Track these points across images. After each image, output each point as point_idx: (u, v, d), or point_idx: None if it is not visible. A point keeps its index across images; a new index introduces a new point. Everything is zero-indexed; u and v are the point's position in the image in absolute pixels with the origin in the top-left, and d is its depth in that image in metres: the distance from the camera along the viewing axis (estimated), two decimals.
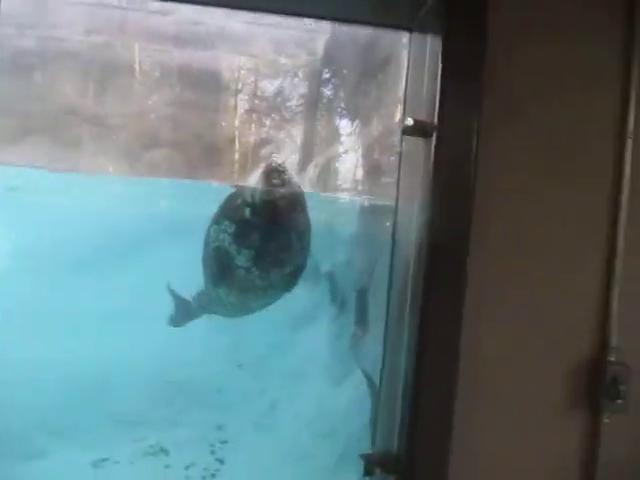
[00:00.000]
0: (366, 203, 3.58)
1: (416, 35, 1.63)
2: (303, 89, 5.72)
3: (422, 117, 1.53)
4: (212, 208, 3.64)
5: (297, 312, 3.68)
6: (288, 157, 5.40)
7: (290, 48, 5.52)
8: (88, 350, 3.33)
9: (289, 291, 3.46)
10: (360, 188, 3.86)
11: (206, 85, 5.71)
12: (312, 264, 3.70)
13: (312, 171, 4.55)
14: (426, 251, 1.54)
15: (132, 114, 5.72)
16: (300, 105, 5.77)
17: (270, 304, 3.58)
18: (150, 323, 3.48)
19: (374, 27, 1.83)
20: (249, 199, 3.21)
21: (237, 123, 5.82)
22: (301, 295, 3.51)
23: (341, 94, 4.97)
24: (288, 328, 3.67)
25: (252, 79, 5.74)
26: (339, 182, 4.27)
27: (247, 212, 3.20)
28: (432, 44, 1.53)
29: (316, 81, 5.42)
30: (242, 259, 3.23)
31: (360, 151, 4.03)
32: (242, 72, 5.68)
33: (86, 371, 3.15)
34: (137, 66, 5.66)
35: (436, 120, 1.47)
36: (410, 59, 1.66)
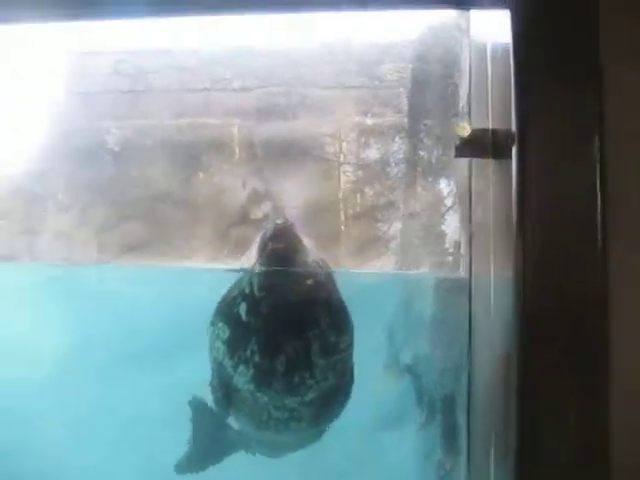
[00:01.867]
0: (454, 276, 2.65)
1: (476, 13, 1.04)
2: (396, 150, 5.26)
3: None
4: None
5: (379, 415, 2.89)
6: (389, 228, 4.83)
7: (375, 108, 5.17)
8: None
9: (327, 425, 2.39)
10: (459, 258, 3.06)
11: (294, 156, 5.49)
12: (392, 355, 2.89)
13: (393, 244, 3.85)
14: (523, 343, 0.86)
15: (223, 193, 5.57)
16: (397, 169, 5.29)
17: (310, 440, 2.52)
18: None
19: (418, 8, 1.29)
20: (246, 288, 2.16)
21: (341, 193, 5.47)
22: (382, 393, 2.71)
23: (434, 151, 4.39)
24: (370, 436, 2.88)
25: (342, 144, 5.41)
26: (430, 253, 3.52)
27: (242, 309, 2.16)
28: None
29: (407, 139, 4.93)
30: (241, 379, 2.18)
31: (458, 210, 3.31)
32: (328, 138, 5.37)
33: None
34: (229, 144, 5.58)
35: (515, 125, 0.84)
36: (472, 51, 1.06)
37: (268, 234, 2.13)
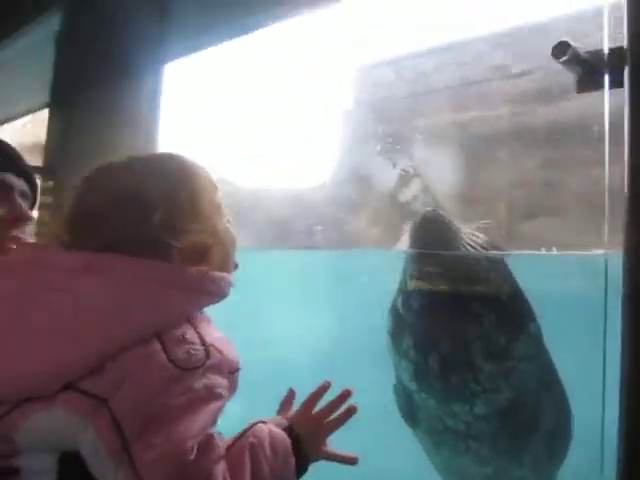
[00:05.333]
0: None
1: None
2: None
3: None
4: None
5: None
6: None
7: None
8: None
9: (523, 466, 1.87)
10: None
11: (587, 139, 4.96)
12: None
13: None
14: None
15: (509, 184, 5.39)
16: None
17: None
18: None
19: None
20: (402, 279, 1.92)
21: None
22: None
23: None
24: None
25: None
26: None
27: (399, 302, 1.92)
28: None
29: None
30: (405, 376, 1.92)
31: None
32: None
33: None
34: (509, 133, 5.41)
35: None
36: None
37: (415, 224, 1.83)
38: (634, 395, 0.80)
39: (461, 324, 1.77)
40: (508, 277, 1.86)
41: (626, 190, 0.76)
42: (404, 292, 1.90)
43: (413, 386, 1.91)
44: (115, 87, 1.57)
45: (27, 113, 2.36)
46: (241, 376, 0.90)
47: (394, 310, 1.96)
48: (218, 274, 0.86)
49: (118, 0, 1.50)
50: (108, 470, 0.72)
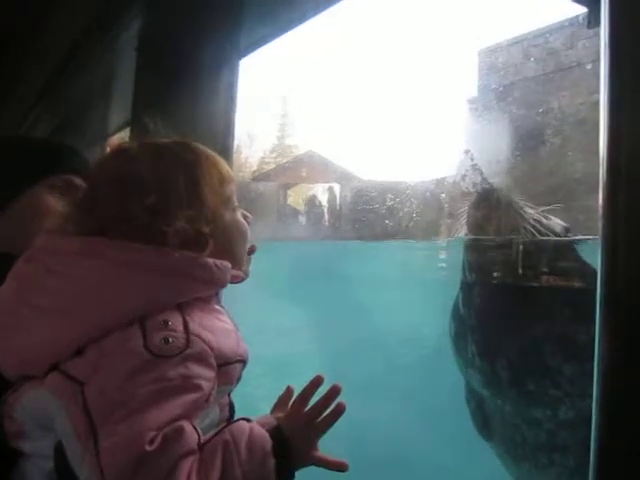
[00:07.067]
0: None
1: None
2: None
3: None
4: None
5: None
6: None
7: None
8: None
9: None
10: None
11: None
12: None
13: None
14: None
15: None
16: None
17: None
18: None
19: None
20: (462, 273, 1.71)
21: None
22: None
23: None
24: None
25: None
26: None
27: (460, 299, 1.73)
28: None
29: None
30: (475, 382, 1.72)
31: None
32: None
33: None
34: None
35: None
36: None
37: (470, 204, 1.63)
38: (606, 390, 0.77)
39: (530, 319, 1.53)
40: (582, 264, 1.60)
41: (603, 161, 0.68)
42: (464, 287, 1.72)
43: (485, 393, 1.72)
44: (193, 91, 1.62)
45: (107, 137, 2.54)
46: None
47: (455, 310, 1.79)
48: (210, 260, 0.81)
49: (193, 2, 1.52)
50: (77, 455, 0.70)
